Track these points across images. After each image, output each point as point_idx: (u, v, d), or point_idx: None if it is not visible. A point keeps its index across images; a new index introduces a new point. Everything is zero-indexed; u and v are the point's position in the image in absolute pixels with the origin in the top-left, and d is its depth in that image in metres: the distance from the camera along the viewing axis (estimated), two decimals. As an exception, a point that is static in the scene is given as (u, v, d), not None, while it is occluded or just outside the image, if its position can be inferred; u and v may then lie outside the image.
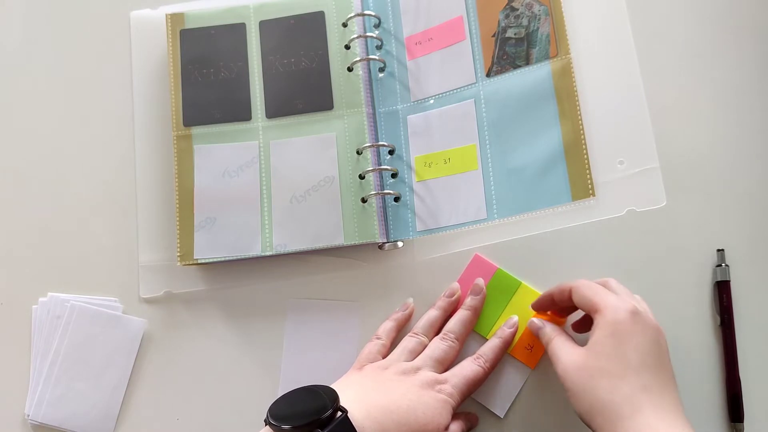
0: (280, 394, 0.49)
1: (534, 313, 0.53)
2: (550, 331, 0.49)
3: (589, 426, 0.44)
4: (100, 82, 0.63)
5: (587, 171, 0.53)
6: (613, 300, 0.45)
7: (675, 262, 0.55)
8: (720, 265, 0.54)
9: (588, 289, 0.47)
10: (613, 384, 0.43)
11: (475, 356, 0.52)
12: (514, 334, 0.53)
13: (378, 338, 0.54)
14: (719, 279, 0.54)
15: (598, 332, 0.45)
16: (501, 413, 0.53)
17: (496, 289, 0.55)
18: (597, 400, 0.43)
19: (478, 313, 0.54)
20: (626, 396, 0.42)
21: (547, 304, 0.52)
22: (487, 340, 0.55)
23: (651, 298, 0.51)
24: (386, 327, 0.54)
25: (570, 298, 0.48)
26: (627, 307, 0.45)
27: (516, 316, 0.54)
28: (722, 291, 0.54)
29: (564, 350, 0.47)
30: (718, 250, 0.55)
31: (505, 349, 0.53)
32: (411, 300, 0.56)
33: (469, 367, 0.51)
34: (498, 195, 0.55)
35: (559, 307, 0.51)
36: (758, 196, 0.55)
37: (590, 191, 0.53)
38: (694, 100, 0.57)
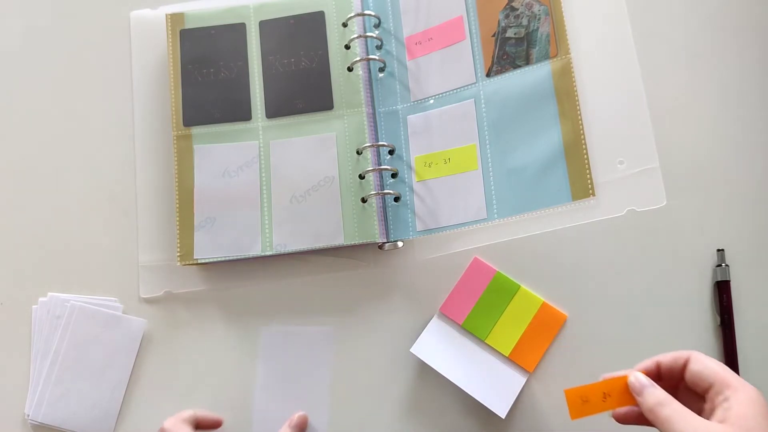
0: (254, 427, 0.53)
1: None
2: (664, 395, 0.42)
3: None
4: (100, 82, 0.63)
5: (587, 171, 0.53)
6: (741, 379, 0.41)
7: (675, 262, 0.55)
8: (720, 265, 0.54)
9: (713, 361, 0.42)
10: None
11: None
12: None
13: None
14: (719, 279, 0.54)
15: (739, 408, 0.39)
16: (503, 414, 0.53)
17: (495, 293, 0.55)
18: None
19: None
20: None
21: (651, 373, 0.45)
22: (485, 343, 0.55)
23: (651, 299, 0.51)
24: None
25: (681, 370, 0.43)
26: (757, 390, 0.41)
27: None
28: (722, 291, 0.54)
29: (692, 419, 0.40)
30: (718, 250, 0.55)
31: None
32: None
33: None
34: (498, 195, 0.55)
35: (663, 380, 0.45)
36: (758, 196, 0.55)
37: (590, 191, 0.53)
38: (694, 100, 0.57)
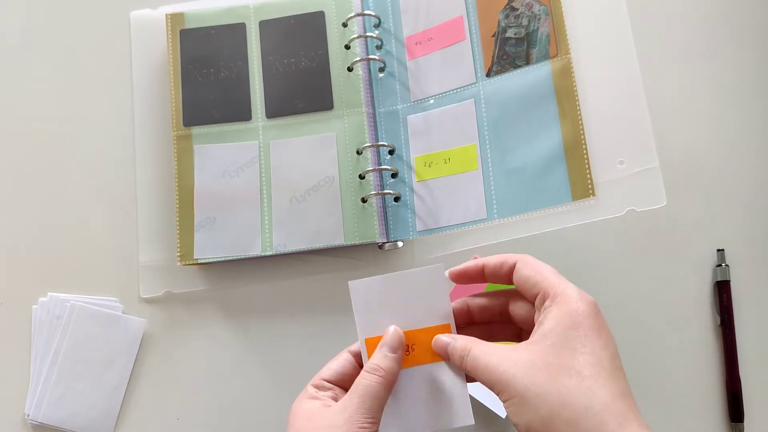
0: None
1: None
2: (464, 342, 0.38)
3: None
4: (100, 82, 0.63)
5: (587, 171, 0.53)
6: (572, 287, 0.36)
7: (675, 262, 0.55)
8: (720, 265, 0.54)
9: (538, 267, 0.38)
10: (585, 386, 0.33)
11: None
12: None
13: None
14: (719, 279, 0.54)
15: (552, 322, 0.35)
16: (503, 414, 0.53)
17: None
18: (564, 405, 0.33)
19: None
20: (606, 404, 0.33)
21: (474, 276, 0.42)
22: None
23: (651, 298, 0.51)
24: None
25: (508, 275, 0.39)
26: (589, 299, 0.36)
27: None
28: (722, 291, 0.54)
29: (496, 354, 0.36)
30: (718, 250, 0.55)
31: None
32: None
33: None
34: (498, 195, 0.55)
35: (482, 283, 0.42)
36: (758, 196, 0.55)
37: (590, 191, 0.53)
38: (694, 100, 0.57)
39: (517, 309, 0.40)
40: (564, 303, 0.35)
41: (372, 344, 0.40)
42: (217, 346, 0.58)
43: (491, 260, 0.40)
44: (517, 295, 0.40)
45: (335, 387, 0.41)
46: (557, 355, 0.34)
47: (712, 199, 0.55)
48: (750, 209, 0.55)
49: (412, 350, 0.40)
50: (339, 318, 0.57)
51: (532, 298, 0.38)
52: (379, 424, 0.38)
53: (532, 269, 0.38)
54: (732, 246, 0.54)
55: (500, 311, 0.41)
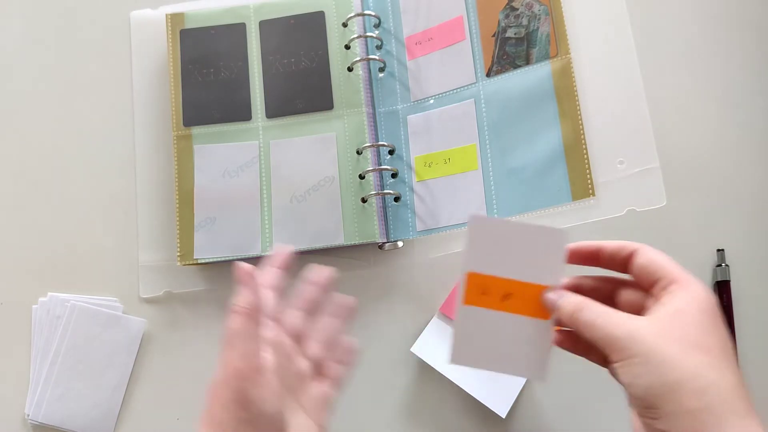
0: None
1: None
2: (579, 298, 0.38)
3: (651, 406, 0.33)
4: (100, 82, 0.63)
5: (587, 171, 0.53)
6: (692, 277, 0.37)
7: (675, 262, 0.55)
8: (720, 265, 0.54)
9: (660, 255, 0.38)
10: (717, 364, 0.33)
11: None
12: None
13: None
14: (719, 279, 0.54)
15: (681, 302, 0.35)
16: (503, 413, 0.53)
17: None
18: (696, 377, 0.32)
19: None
20: (734, 385, 0.33)
21: (589, 257, 0.41)
22: None
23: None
24: None
25: (624, 261, 0.39)
26: (708, 288, 0.36)
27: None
28: (722, 291, 0.54)
29: (617, 314, 0.36)
30: (718, 250, 0.55)
31: None
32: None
33: None
34: (498, 195, 0.55)
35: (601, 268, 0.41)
36: (758, 196, 0.55)
37: (590, 191, 0.53)
38: (694, 101, 0.57)
39: (627, 295, 0.40)
40: (693, 289, 0.36)
41: (473, 279, 0.41)
42: (217, 346, 0.58)
43: (609, 244, 0.40)
44: (628, 283, 0.40)
45: None
46: (689, 332, 0.34)
47: (712, 199, 0.55)
48: (750, 209, 0.55)
49: (509, 299, 0.41)
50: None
51: (650, 285, 0.38)
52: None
53: (654, 255, 0.38)
54: (732, 246, 0.54)
55: (607, 296, 0.41)
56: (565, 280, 0.41)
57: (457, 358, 0.41)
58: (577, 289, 0.41)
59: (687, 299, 0.35)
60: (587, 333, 0.36)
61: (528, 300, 0.41)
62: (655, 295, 0.37)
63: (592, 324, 0.36)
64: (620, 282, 0.41)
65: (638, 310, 0.38)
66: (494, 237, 0.41)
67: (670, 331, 0.34)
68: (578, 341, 0.41)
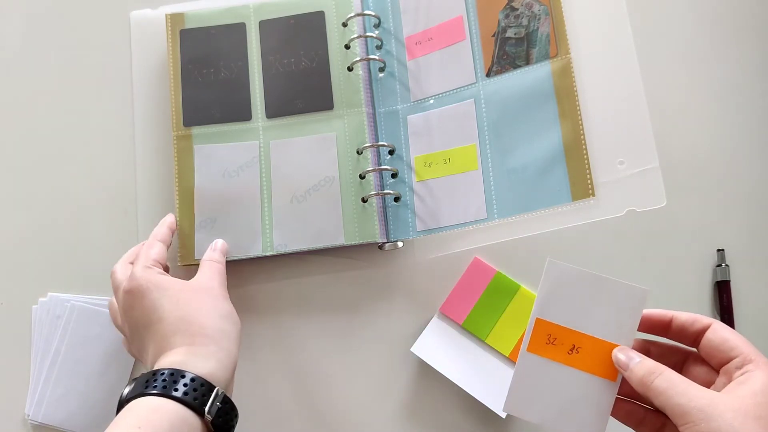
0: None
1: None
2: (654, 363, 0.38)
3: None
4: (100, 82, 0.63)
5: (587, 171, 0.53)
6: (766, 358, 0.38)
7: (675, 262, 0.55)
8: (720, 265, 0.54)
9: (734, 333, 0.39)
10: None
11: None
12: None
13: None
14: (719, 279, 0.54)
15: (756, 384, 0.36)
16: (503, 414, 0.53)
17: (495, 293, 0.55)
18: None
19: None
20: None
21: (659, 326, 0.42)
22: (485, 343, 0.55)
23: (651, 298, 0.50)
24: None
25: (696, 335, 0.40)
26: None
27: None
28: (722, 291, 0.54)
29: (695, 386, 0.36)
30: (718, 250, 0.55)
31: None
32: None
33: None
34: (498, 195, 0.55)
35: (663, 337, 0.42)
36: (758, 196, 0.55)
37: (590, 191, 0.53)
38: (694, 100, 0.57)
39: (696, 371, 0.41)
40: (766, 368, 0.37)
41: (541, 326, 0.40)
42: (217, 346, 0.58)
43: (681, 315, 0.41)
44: (697, 358, 0.41)
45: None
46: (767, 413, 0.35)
47: (712, 199, 0.55)
48: (750, 209, 0.55)
49: (576, 352, 0.40)
50: (339, 317, 0.57)
51: (723, 362, 0.38)
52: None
53: (729, 334, 0.39)
54: (732, 246, 0.54)
55: (673, 366, 0.40)
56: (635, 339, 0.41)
57: (511, 407, 0.40)
58: (645, 353, 0.41)
59: (765, 381, 0.36)
60: (659, 399, 0.36)
61: (595, 356, 0.39)
62: (728, 373, 0.38)
63: (665, 391, 0.36)
64: (688, 353, 0.41)
65: (706, 385, 0.38)
66: (570, 286, 0.40)
67: (749, 409, 0.34)
68: (632, 412, 0.41)
